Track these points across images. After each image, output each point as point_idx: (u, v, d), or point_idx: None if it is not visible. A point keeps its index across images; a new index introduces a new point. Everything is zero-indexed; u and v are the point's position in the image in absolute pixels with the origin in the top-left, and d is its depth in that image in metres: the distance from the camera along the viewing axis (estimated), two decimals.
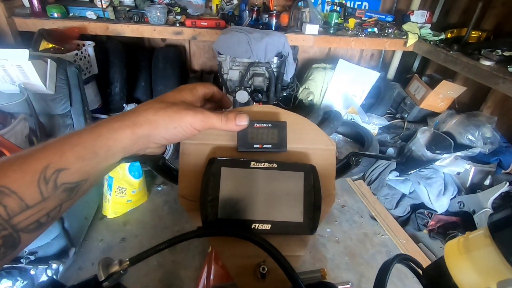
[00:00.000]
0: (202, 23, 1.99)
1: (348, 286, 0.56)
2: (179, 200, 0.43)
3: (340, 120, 2.16)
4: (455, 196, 1.81)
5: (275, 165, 0.42)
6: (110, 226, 1.69)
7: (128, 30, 1.94)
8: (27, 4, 1.88)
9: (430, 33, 2.28)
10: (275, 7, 2.31)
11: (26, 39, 1.82)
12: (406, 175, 1.96)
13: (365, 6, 2.59)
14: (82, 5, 2.00)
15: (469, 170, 1.86)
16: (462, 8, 2.41)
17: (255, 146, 0.44)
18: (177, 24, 1.99)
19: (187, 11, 2.09)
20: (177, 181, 0.44)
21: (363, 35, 2.23)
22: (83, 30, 1.88)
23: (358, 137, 2.25)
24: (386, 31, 2.29)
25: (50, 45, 1.71)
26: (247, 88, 1.75)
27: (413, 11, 2.40)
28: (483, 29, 2.11)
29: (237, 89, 1.73)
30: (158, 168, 0.44)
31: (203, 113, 0.37)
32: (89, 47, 1.86)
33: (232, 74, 1.83)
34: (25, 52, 1.32)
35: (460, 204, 1.76)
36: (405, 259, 0.38)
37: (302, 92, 2.49)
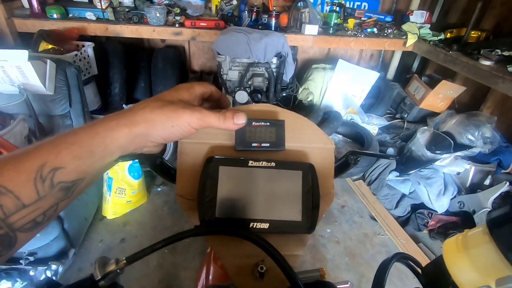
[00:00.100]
0: (201, 24, 1.99)
1: (347, 285, 0.55)
2: (177, 199, 0.43)
3: (340, 120, 2.15)
4: (455, 196, 1.81)
5: (273, 164, 0.42)
6: (110, 227, 1.69)
7: (128, 31, 1.94)
8: (26, 5, 1.89)
9: (430, 33, 2.28)
10: (274, 8, 2.31)
11: (26, 40, 1.82)
12: (406, 175, 1.95)
13: (365, 6, 2.59)
14: (81, 6, 2.01)
15: (469, 170, 1.86)
16: (462, 8, 2.41)
17: (253, 145, 0.43)
18: (177, 25, 1.99)
19: (187, 11, 2.09)
20: (175, 180, 0.43)
21: (362, 35, 2.23)
22: (82, 31, 1.89)
23: (358, 137, 2.25)
24: (386, 31, 2.29)
25: (50, 46, 1.71)
26: (247, 89, 1.75)
27: (412, 11, 2.41)
28: (482, 29, 2.11)
29: (237, 90, 1.73)
30: (156, 167, 0.44)
31: (200, 112, 0.37)
32: (88, 48, 1.86)
33: (232, 75, 1.84)
34: (24, 53, 1.32)
35: (460, 204, 1.76)
36: (404, 258, 0.38)
37: (301, 92, 2.49)
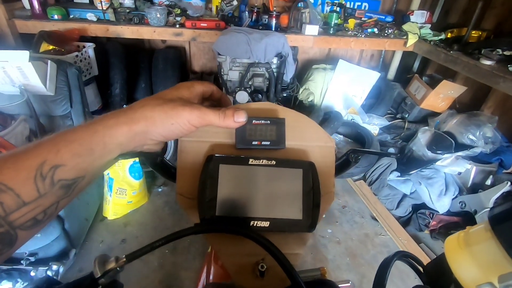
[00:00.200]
0: (202, 24, 1.99)
1: (348, 284, 0.55)
2: (177, 198, 0.43)
3: (341, 120, 2.15)
4: (456, 196, 1.81)
5: (273, 162, 0.42)
6: (111, 227, 1.69)
7: (128, 31, 1.95)
8: (27, 6, 1.89)
9: (430, 33, 2.28)
10: (274, 8, 2.31)
11: (27, 41, 1.82)
12: (407, 175, 1.95)
13: (365, 6, 2.59)
14: (82, 7, 2.01)
15: (470, 170, 1.85)
16: (462, 8, 2.41)
17: (254, 143, 0.43)
18: (177, 26, 1.99)
19: (187, 12, 2.09)
20: (175, 179, 0.43)
21: (363, 36, 2.23)
22: (83, 32, 1.89)
23: (358, 138, 2.25)
24: (386, 31, 2.29)
25: (51, 47, 1.71)
26: (247, 89, 1.75)
27: (413, 11, 2.40)
28: (483, 29, 2.11)
29: (237, 90, 1.73)
30: (156, 165, 0.44)
31: (200, 110, 0.37)
32: (89, 49, 1.87)
33: (232, 75, 1.84)
34: (25, 54, 1.32)
35: (462, 204, 1.75)
36: (405, 256, 0.38)
37: (302, 92, 2.49)
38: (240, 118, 0.40)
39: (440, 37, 2.22)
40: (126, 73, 2.13)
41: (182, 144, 0.44)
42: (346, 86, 2.37)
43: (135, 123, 0.35)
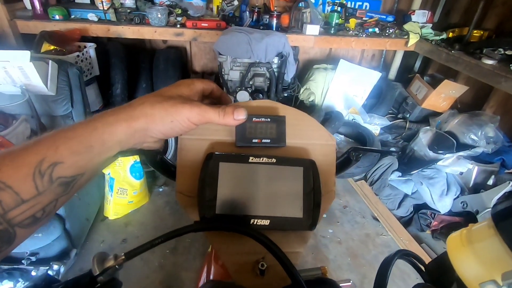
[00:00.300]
0: (202, 24, 1.99)
1: (349, 284, 0.54)
2: (177, 196, 0.42)
3: (342, 120, 2.15)
4: (458, 196, 1.80)
5: (274, 160, 0.41)
6: (111, 227, 1.69)
7: (129, 31, 1.95)
8: (29, 6, 1.89)
9: (432, 33, 2.27)
10: (275, 8, 2.31)
11: (28, 41, 1.83)
12: (409, 175, 1.94)
13: (366, 6, 2.59)
14: (83, 7, 2.01)
15: (472, 170, 1.84)
16: (463, 8, 2.40)
17: (254, 141, 0.43)
18: (178, 26, 2.00)
19: (188, 12, 2.09)
20: (175, 177, 0.43)
21: (364, 35, 2.23)
22: (84, 32, 1.89)
23: (359, 138, 2.24)
24: (387, 31, 2.29)
25: (52, 47, 1.71)
26: (248, 89, 1.75)
27: (414, 11, 2.40)
28: (484, 28, 2.10)
29: (238, 90, 1.73)
30: (156, 163, 0.44)
31: (200, 107, 0.37)
32: (90, 49, 1.87)
33: (233, 75, 1.84)
34: (26, 54, 1.33)
35: (464, 204, 1.74)
36: (407, 255, 0.38)
37: (303, 92, 2.48)
38: (240, 116, 0.39)
39: (441, 37, 2.22)
40: (127, 73, 2.13)
41: (182, 142, 0.43)
42: (347, 86, 2.37)
43: (134, 120, 0.34)
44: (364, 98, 2.42)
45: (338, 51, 2.74)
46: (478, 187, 1.81)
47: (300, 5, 2.15)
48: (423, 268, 0.38)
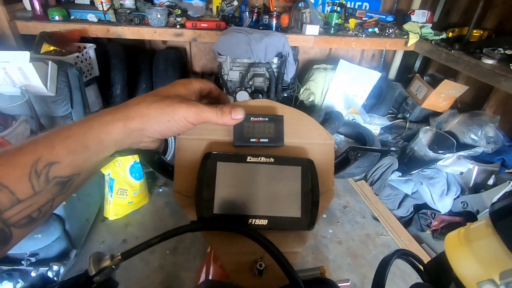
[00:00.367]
0: (202, 25, 1.99)
1: (348, 284, 0.54)
2: (175, 196, 0.42)
3: (342, 120, 2.15)
4: (458, 196, 1.79)
5: (272, 160, 0.41)
6: (111, 228, 1.68)
7: (129, 32, 1.95)
8: (28, 7, 1.89)
9: (431, 33, 2.27)
10: (275, 8, 2.31)
11: (28, 42, 1.83)
12: (409, 175, 1.94)
13: (366, 6, 2.59)
14: (83, 8, 2.02)
15: (472, 170, 1.84)
16: (463, 8, 2.40)
17: (252, 140, 0.43)
18: (178, 26, 2.00)
19: (188, 13, 2.09)
20: (172, 176, 0.43)
21: (363, 35, 2.23)
22: (84, 33, 1.89)
23: (359, 138, 2.24)
24: (387, 31, 2.29)
25: (52, 48, 1.71)
26: (248, 89, 1.75)
27: (413, 10, 2.40)
28: (484, 28, 2.10)
29: (238, 90, 1.73)
30: (154, 163, 0.44)
31: (197, 106, 0.37)
32: (90, 50, 1.87)
33: (233, 75, 1.84)
34: (26, 54, 1.33)
35: (464, 204, 1.74)
36: (405, 255, 0.37)
37: (303, 93, 2.48)
38: (238, 115, 0.39)
39: (441, 37, 2.22)
40: (127, 74, 2.14)
41: (180, 142, 0.43)
42: (347, 86, 2.36)
43: (130, 120, 0.34)
44: (364, 98, 2.42)
45: (338, 51, 2.74)
46: (479, 187, 1.81)
47: (300, 5, 2.15)
48: (421, 268, 0.37)
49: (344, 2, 2.38)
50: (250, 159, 0.41)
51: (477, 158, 1.89)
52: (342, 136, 2.35)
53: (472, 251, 0.26)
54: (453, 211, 1.79)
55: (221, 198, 0.39)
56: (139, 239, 1.63)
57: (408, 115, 2.40)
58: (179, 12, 2.06)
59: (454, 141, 1.95)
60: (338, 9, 2.25)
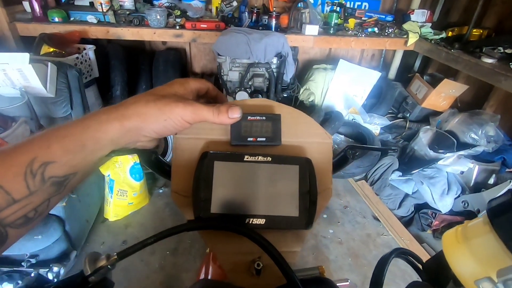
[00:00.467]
0: (202, 26, 1.99)
1: (347, 283, 0.54)
2: (172, 196, 0.42)
3: (342, 120, 2.14)
4: (459, 196, 1.79)
5: (269, 159, 0.41)
6: (112, 229, 1.68)
7: (129, 33, 1.95)
8: (28, 9, 1.90)
9: (431, 32, 2.27)
10: (274, 9, 2.31)
11: (28, 44, 1.83)
12: (409, 174, 1.94)
13: (365, 6, 2.59)
14: (82, 10, 2.02)
15: (473, 169, 1.83)
16: (463, 7, 2.40)
17: (249, 139, 0.43)
18: (177, 27, 2.00)
19: (187, 13, 2.09)
20: (170, 176, 0.43)
21: (363, 35, 2.22)
22: (83, 34, 1.90)
23: (360, 137, 2.24)
24: (387, 31, 2.28)
25: (51, 49, 1.72)
26: (247, 89, 1.75)
27: (413, 10, 2.40)
28: (484, 27, 2.10)
29: (237, 90, 1.73)
30: (151, 163, 0.44)
31: (193, 105, 0.37)
32: (89, 51, 1.87)
33: (232, 75, 1.84)
34: (25, 56, 1.33)
35: (465, 204, 1.73)
36: (404, 254, 0.37)
37: (303, 93, 2.48)
38: (235, 114, 0.39)
39: (441, 36, 2.21)
40: (127, 75, 2.14)
41: (177, 141, 0.43)
42: (347, 86, 2.36)
43: (127, 119, 0.34)
44: (364, 98, 2.42)
45: (338, 51, 2.74)
46: (479, 186, 1.80)
47: (299, 5, 2.15)
48: (420, 266, 0.37)
49: (343, 2, 2.38)
50: (247, 158, 0.41)
51: (477, 157, 1.89)
52: (342, 136, 2.35)
53: (470, 249, 0.25)
54: (454, 211, 1.78)
55: (218, 198, 0.39)
56: (139, 240, 1.62)
57: (408, 115, 2.39)
58: (179, 13, 2.06)
59: (455, 140, 1.95)
60: (338, 9, 2.25)
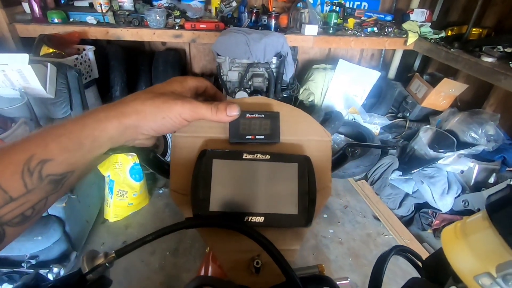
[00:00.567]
0: (201, 26, 1.99)
1: (347, 281, 0.54)
2: (171, 194, 0.42)
3: (342, 120, 2.14)
4: (459, 195, 1.79)
5: (268, 157, 0.41)
6: (112, 229, 1.68)
7: (128, 34, 1.95)
8: (28, 10, 1.90)
9: (430, 32, 2.27)
10: (274, 9, 2.31)
11: (28, 45, 1.84)
12: (409, 174, 1.93)
13: (364, 6, 2.59)
14: (82, 10, 2.02)
15: (473, 168, 1.83)
16: (462, 6, 2.40)
17: (247, 137, 0.43)
18: (177, 27, 2.00)
19: (187, 14, 2.09)
20: (168, 175, 0.43)
21: (362, 35, 2.22)
22: (83, 35, 1.90)
23: (359, 137, 2.23)
24: (386, 30, 2.28)
25: (51, 50, 1.72)
26: (247, 89, 1.75)
27: (412, 10, 2.40)
28: (483, 26, 2.10)
29: (237, 90, 1.73)
30: (149, 161, 0.43)
31: (191, 103, 0.37)
32: (89, 52, 1.87)
33: (232, 75, 1.84)
34: (25, 57, 1.33)
35: (465, 203, 1.73)
36: (403, 251, 0.37)
37: (302, 93, 2.48)
38: (233, 112, 0.39)
39: (440, 35, 2.21)
40: (127, 76, 2.14)
41: (175, 140, 0.43)
42: (346, 86, 2.36)
43: (125, 117, 0.34)
44: (364, 97, 2.42)
45: (337, 51, 2.74)
46: (479, 186, 1.80)
47: (299, 5, 2.15)
48: (420, 264, 0.37)
49: (342, 2, 2.38)
50: (246, 156, 0.41)
51: (477, 157, 1.89)
52: (342, 136, 2.35)
53: (469, 245, 0.25)
54: (454, 210, 1.78)
55: (217, 196, 0.39)
56: None
57: (408, 114, 2.39)
58: (178, 13, 2.06)
59: (455, 139, 1.95)
60: (337, 8, 2.25)
